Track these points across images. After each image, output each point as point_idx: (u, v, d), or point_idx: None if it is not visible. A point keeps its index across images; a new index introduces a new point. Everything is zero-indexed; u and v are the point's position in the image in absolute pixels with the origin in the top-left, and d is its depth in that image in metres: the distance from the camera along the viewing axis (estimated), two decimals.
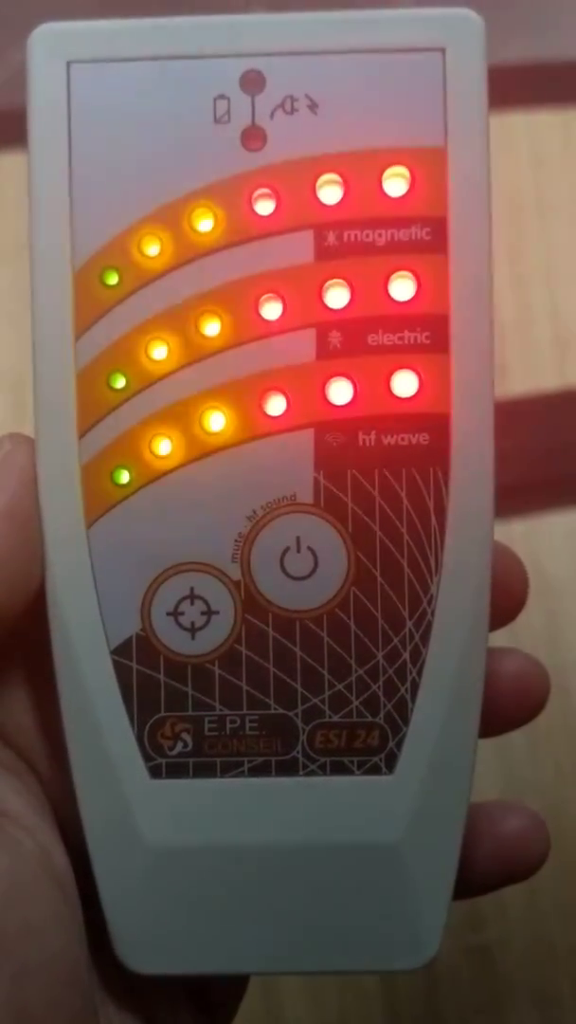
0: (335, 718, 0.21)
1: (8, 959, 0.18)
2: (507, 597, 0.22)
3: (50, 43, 0.20)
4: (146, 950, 0.21)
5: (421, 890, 0.21)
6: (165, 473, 0.20)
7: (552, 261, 0.35)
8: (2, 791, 0.20)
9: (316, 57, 0.20)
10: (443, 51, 0.20)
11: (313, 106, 0.20)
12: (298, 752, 0.21)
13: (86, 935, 0.20)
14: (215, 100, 0.20)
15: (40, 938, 0.19)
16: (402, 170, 0.20)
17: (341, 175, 0.20)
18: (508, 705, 0.22)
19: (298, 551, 0.21)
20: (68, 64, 0.20)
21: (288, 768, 0.21)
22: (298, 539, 0.20)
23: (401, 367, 0.20)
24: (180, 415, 0.20)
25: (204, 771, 0.21)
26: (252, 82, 0.20)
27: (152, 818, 0.21)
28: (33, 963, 0.18)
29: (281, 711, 0.21)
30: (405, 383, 0.20)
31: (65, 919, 0.19)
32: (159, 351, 0.20)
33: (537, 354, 0.37)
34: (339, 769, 0.21)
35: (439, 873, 0.21)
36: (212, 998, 0.23)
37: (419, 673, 0.20)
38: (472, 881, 0.22)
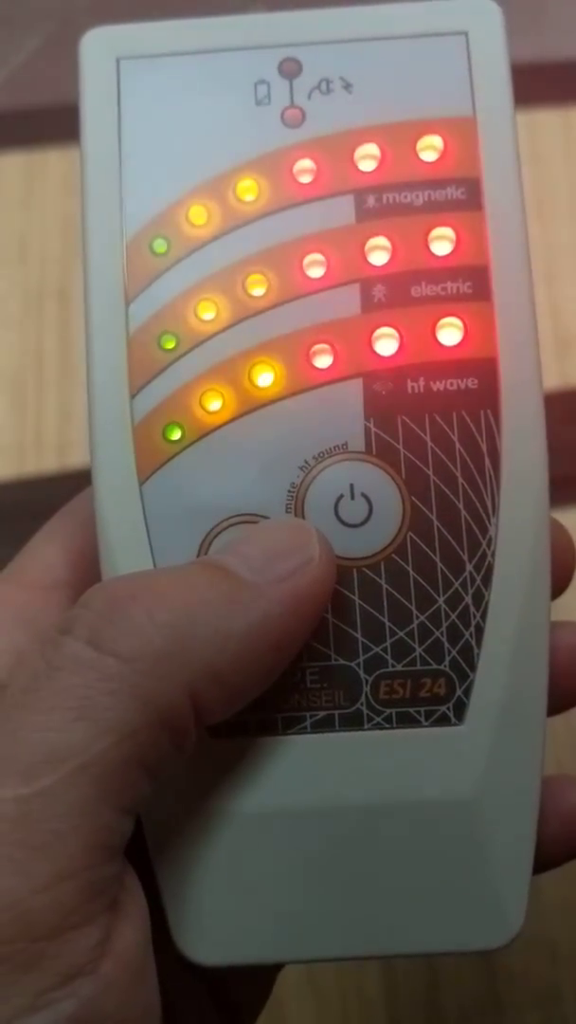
0: (398, 667, 0.20)
1: None
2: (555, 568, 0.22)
3: (100, 43, 0.22)
4: (210, 938, 0.20)
5: (500, 852, 0.19)
6: (216, 428, 0.21)
7: (552, 261, 0.36)
8: None
9: (348, 44, 0.22)
10: (466, 34, 0.22)
11: (348, 86, 0.22)
12: (362, 704, 0.20)
13: None
14: (255, 85, 0.22)
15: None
16: (435, 139, 0.21)
17: (377, 145, 0.21)
18: (569, 678, 0.21)
19: (352, 498, 0.20)
20: (118, 60, 0.22)
21: (352, 721, 0.20)
22: (351, 486, 0.20)
23: (445, 315, 0.21)
24: (229, 371, 0.21)
25: (266, 728, 0.20)
26: (290, 68, 0.22)
27: (213, 781, 0.20)
28: None
29: (342, 662, 0.20)
30: (450, 331, 0.21)
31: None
32: (208, 312, 0.21)
33: None
34: (406, 720, 0.20)
35: (519, 832, 0.20)
36: (235, 999, 0.22)
37: (483, 617, 0.20)
38: (537, 856, 0.21)
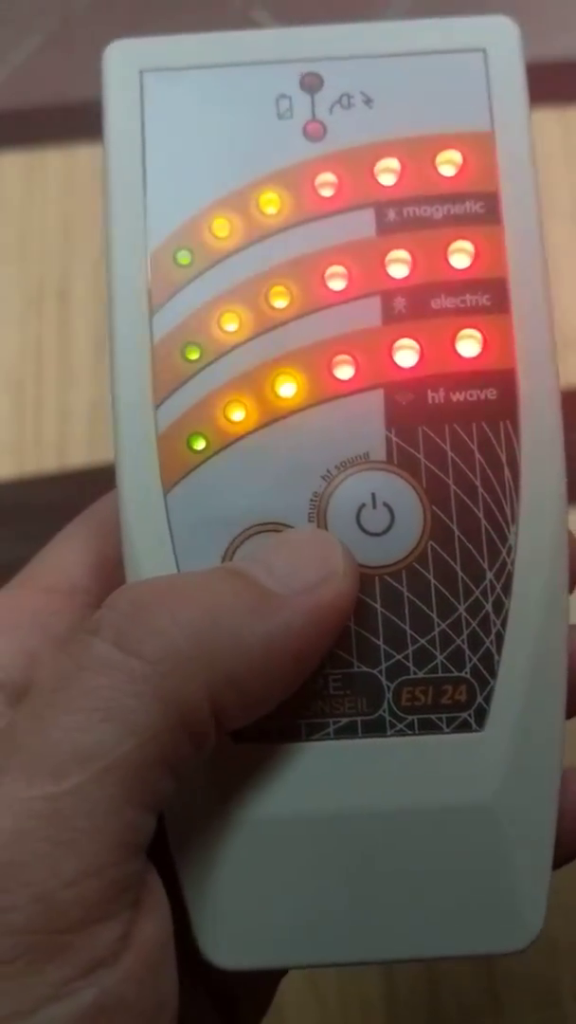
0: (420, 674, 0.20)
1: None
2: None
3: (124, 55, 0.22)
4: (233, 941, 0.20)
5: (520, 855, 0.20)
6: (239, 438, 0.21)
7: (552, 261, 0.36)
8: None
9: (369, 60, 0.22)
10: (484, 51, 0.22)
11: (368, 101, 0.22)
12: (384, 711, 0.20)
13: None
14: (277, 99, 0.22)
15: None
16: (454, 153, 0.22)
17: (398, 159, 0.22)
18: None
19: (374, 507, 0.21)
20: (141, 72, 0.22)
21: (375, 728, 0.20)
22: (373, 496, 0.21)
23: (464, 327, 0.21)
24: (253, 382, 0.21)
25: (289, 735, 0.20)
26: (311, 83, 0.22)
27: (236, 786, 0.20)
28: None
29: (365, 669, 0.20)
30: (469, 342, 0.21)
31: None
32: (231, 323, 0.21)
33: None
34: (428, 727, 0.20)
35: (537, 835, 0.20)
36: (239, 1006, 0.22)
37: (503, 624, 0.20)
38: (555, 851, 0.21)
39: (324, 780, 0.20)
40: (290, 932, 0.20)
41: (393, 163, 0.22)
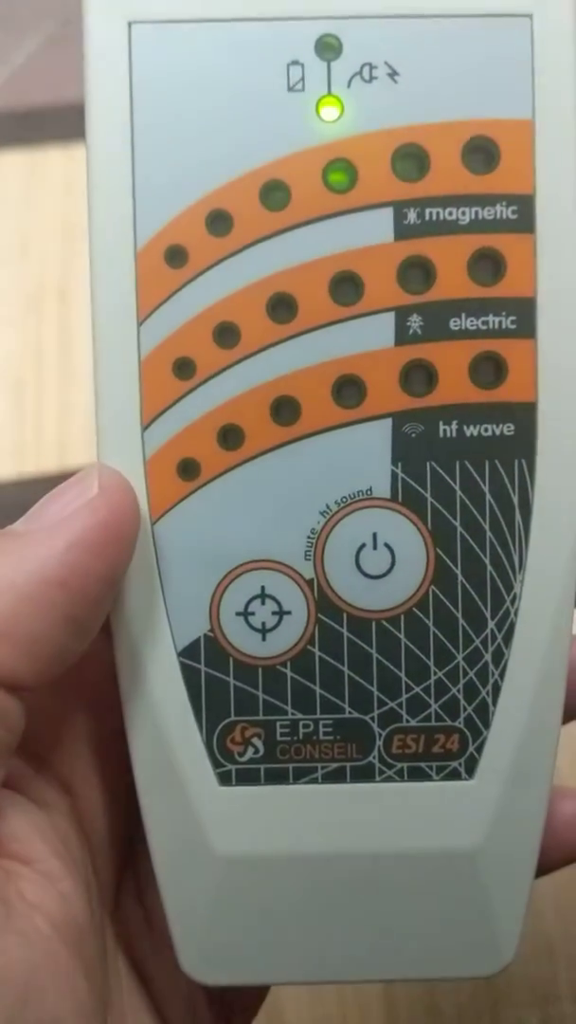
0: (413, 722, 0.20)
1: None
2: None
3: (109, 2, 0.19)
4: (213, 961, 0.20)
5: (499, 895, 0.20)
6: (234, 467, 0.19)
7: None
8: (26, 833, 0.19)
9: (396, 21, 0.19)
10: (530, 17, 0.19)
11: (393, 74, 0.19)
12: (374, 758, 0.20)
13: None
14: (288, 66, 0.19)
15: None
16: (487, 144, 0.19)
17: (422, 149, 0.19)
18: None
19: (374, 548, 0.19)
20: (129, 25, 0.19)
21: (364, 774, 0.20)
22: (375, 535, 0.19)
23: (485, 353, 0.19)
24: (250, 405, 0.19)
25: (276, 778, 0.20)
26: (328, 47, 0.19)
27: (222, 827, 0.20)
28: None
29: (356, 715, 0.20)
30: (488, 370, 0.19)
31: (85, 1005, 0.18)
32: (228, 337, 0.19)
33: None
34: (417, 775, 0.20)
35: (517, 878, 0.20)
36: (232, 1003, 0.23)
37: (501, 675, 0.20)
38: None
39: (309, 822, 0.20)
40: (267, 953, 0.20)
41: (418, 153, 0.19)
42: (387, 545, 0.20)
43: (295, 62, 0.19)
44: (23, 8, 0.25)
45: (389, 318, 0.19)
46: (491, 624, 0.20)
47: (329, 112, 0.19)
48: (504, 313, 0.19)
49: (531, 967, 0.31)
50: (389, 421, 0.19)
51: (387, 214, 0.19)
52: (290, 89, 0.19)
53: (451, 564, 0.19)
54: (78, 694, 0.21)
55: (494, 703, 0.20)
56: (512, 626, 0.20)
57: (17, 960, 0.17)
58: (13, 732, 0.18)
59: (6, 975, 0.17)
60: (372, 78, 0.19)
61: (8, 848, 0.19)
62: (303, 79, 0.19)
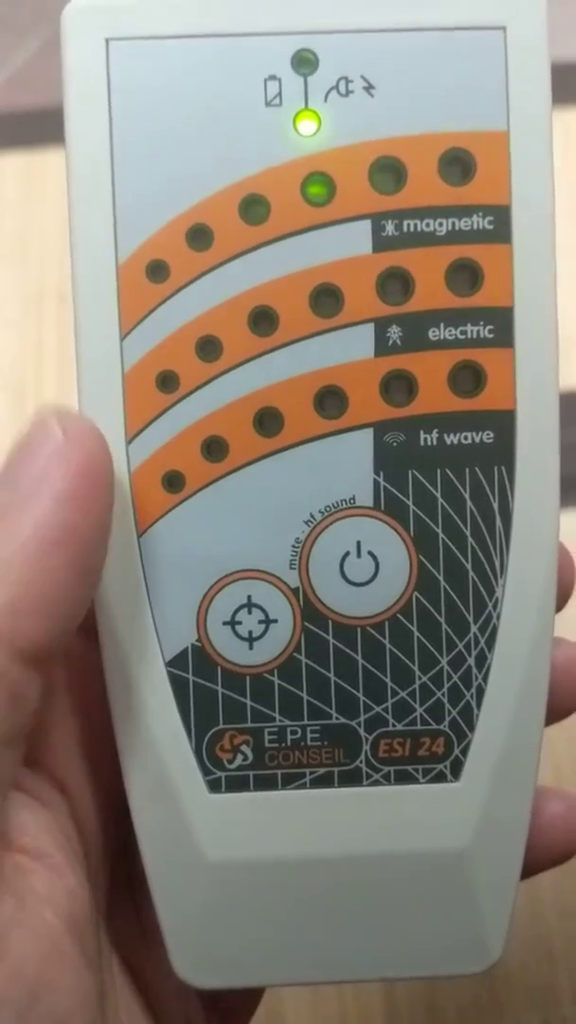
0: (399, 727, 0.20)
1: None
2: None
3: (86, 19, 0.19)
4: (206, 965, 0.21)
5: (486, 895, 0.20)
6: (218, 478, 0.20)
7: None
8: (35, 827, 0.19)
9: (371, 35, 0.19)
10: (504, 29, 0.19)
11: (369, 88, 0.19)
12: (361, 762, 0.20)
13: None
14: (265, 81, 0.19)
15: None
16: (463, 156, 0.19)
17: (399, 161, 0.19)
18: (560, 694, 0.22)
19: (358, 556, 0.20)
20: (107, 42, 0.19)
21: (351, 778, 0.20)
22: (358, 543, 0.20)
23: (463, 362, 0.19)
24: (233, 417, 0.19)
25: (265, 784, 0.20)
26: (305, 62, 0.19)
27: (212, 834, 0.20)
28: None
29: (343, 721, 0.20)
30: (467, 379, 0.20)
31: (89, 999, 0.19)
32: (210, 350, 0.19)
33: None
34: (404, 778, 0.20)
35: (504, 877, 0.20)
36: (227, 1005, 0.23)
37: (485, 679, 0.20)
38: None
39: (298, 827, 0.20)
40: (258, 955, 0.21)
41: (394, 166, 0.19)
42: (371, 553, 0.20)
43: (272, 77, 0.19)
44: (23, 10, 0.25)
45: (369, 329, 0.19)
46: (474, 629, 0.20)
47: (307, 126, 0.19)
48: (482, 323, 0.19)
49: (532, 970, 0.31)
50: (371, 431, 0.20)
51: (365, 226, 0.19)
52: (268, 104, 0.19)
53: (434, 571, 0.20)
54: (70, 697, 0.21)
55: (478, 706, 0.20)
56: (495, 630, 0.20)
57: (30, 954, 0.18)
58: (31, 711, 0.18)
59: (21, 969, 0.17)
60: (349, 92, 0.19)
61: (20, 841, 0.19)
62: (280, 94, 0.19)
